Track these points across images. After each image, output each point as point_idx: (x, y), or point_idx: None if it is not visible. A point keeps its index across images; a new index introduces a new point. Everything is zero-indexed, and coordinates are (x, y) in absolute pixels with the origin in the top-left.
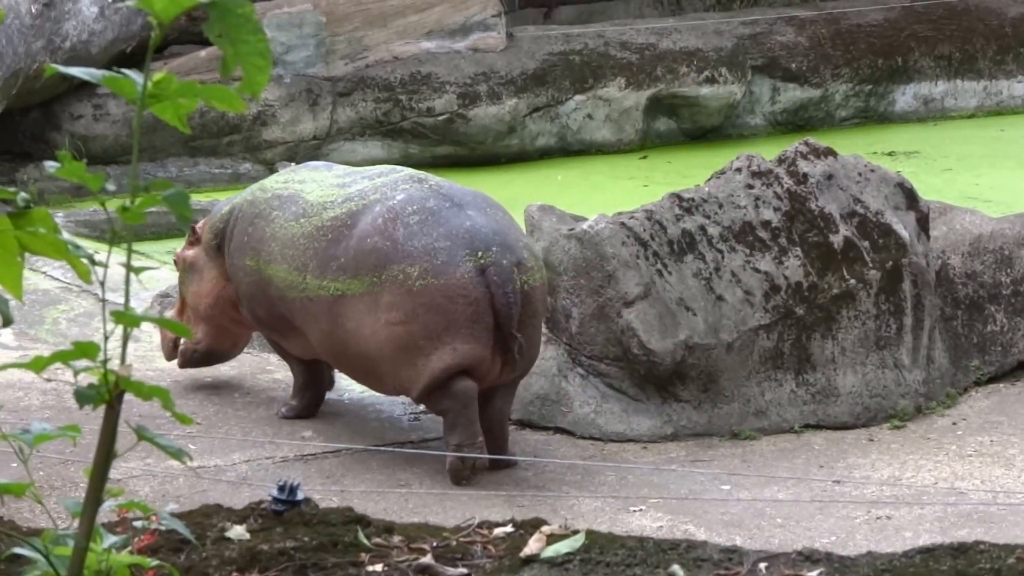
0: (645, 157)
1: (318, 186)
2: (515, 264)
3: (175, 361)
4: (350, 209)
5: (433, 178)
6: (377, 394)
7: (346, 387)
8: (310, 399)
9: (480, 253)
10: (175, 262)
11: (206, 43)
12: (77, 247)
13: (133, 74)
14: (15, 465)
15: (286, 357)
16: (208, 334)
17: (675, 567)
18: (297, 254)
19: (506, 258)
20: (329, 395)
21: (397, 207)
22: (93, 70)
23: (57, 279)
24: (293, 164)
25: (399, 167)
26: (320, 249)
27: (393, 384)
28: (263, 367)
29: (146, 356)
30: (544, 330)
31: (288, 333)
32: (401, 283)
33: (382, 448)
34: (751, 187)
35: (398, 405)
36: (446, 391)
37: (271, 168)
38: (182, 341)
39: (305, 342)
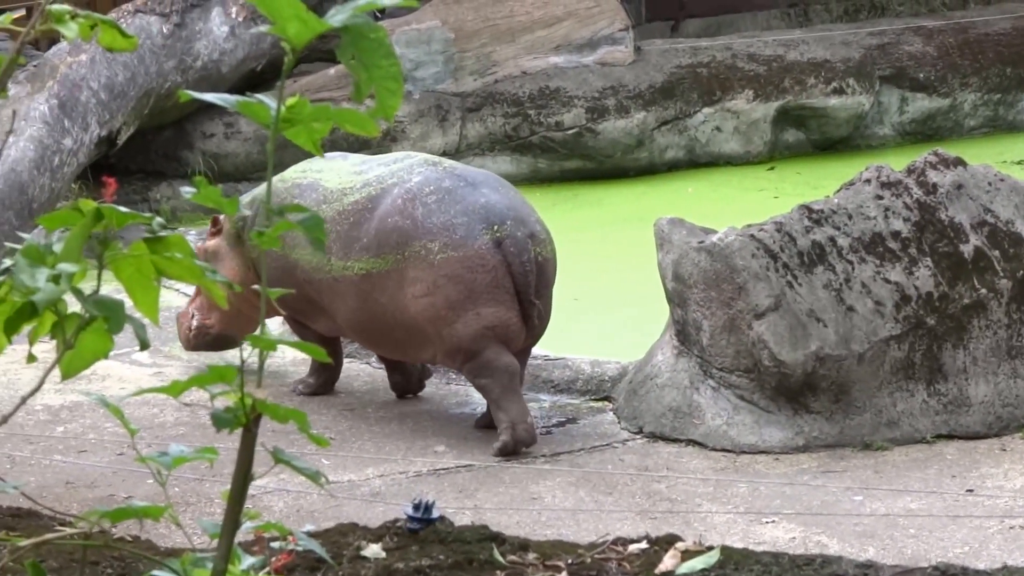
0: (772, 168)
1: (336, 174)
2: (529, 236)
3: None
4: (369, 194)
5: (447, 161)
6: None
7: (478, 401)
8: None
9: (496, 227)
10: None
11: (335, 60)
12: (213, 271)
13: (266, 99)
14: (150, 482)
15: (319, 340)
16: (222, 319)
17: None
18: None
19: (520, 231)
20: (461, 409)
21: (415, 188)
22: (226, 96)
23: (190, 296)
24: None
25: (413, 152)
26: (343, 232)
27: (432, 352)
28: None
29: (278, 371)
30: (675, 342)
31: (314, 314)
32: (423, 258)
33: (514, 463)
34: (880, 198)
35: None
36: (487, 366)
37: None
38: (194, 323)
39: (329, 321)
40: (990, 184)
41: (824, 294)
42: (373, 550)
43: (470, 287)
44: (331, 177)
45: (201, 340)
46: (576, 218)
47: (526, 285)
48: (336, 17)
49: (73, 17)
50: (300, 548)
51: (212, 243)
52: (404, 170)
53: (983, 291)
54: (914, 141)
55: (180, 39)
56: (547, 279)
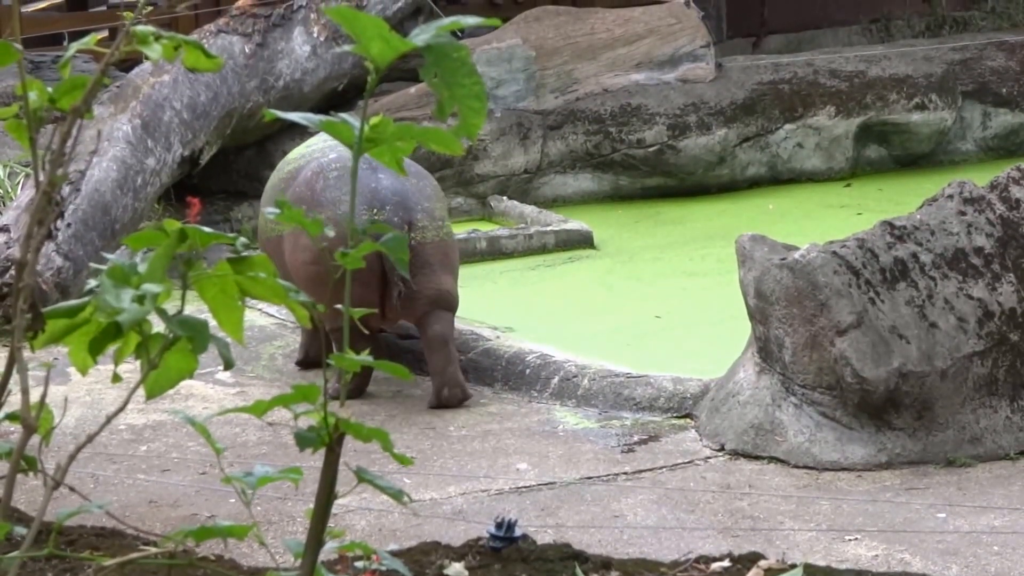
0: (849, 185)
1: (295, 149)
2: (406, 222)
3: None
4: (299, 165)
5: None
6: (590, 426)
7: (560, 419)
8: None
9: (375, 210)
10: None
11: (415, 79)
12: (297, 291)
13: (350, 118)
14: (233, 501)
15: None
16: None
17: None
18: (267, 200)
19: (398, 216)
20: (543, 428)
21: (325, 164)
22: (310, 115)
23: (273, 316)
24: (502, 198)
25: None
26: (276, 195)
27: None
28: (477, 400)
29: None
30: (757, 359)
31: None
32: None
33: (596, 481)
34: (963, 214)
35: (612, 436)
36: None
37: (483, 202)
38: None
39: None
40: None
41: (907, 310)
42: (456, 569)
43: None
44: (292, 152)
45: None
46: (658, 235)
47: (392, 267)
48: (419, 37)
49: (157, 38)
50: (383, 567)
51: None
52: (328, 148)
53: None
54: (997, 156)
55: (262, 59)
56: (424, 260)
